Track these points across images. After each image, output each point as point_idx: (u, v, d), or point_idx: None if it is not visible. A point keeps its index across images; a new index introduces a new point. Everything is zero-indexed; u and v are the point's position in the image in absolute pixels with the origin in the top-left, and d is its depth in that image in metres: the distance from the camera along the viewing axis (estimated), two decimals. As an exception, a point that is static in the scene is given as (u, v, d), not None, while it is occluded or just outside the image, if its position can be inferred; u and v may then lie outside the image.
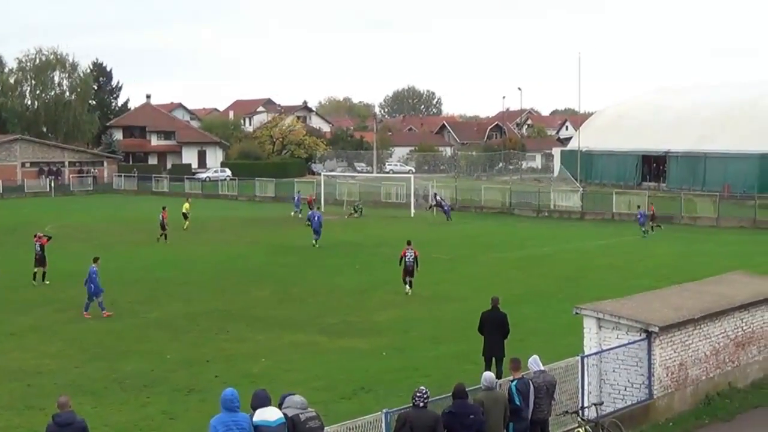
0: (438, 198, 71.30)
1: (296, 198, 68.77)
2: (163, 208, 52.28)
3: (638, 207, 61.70)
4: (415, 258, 34.12)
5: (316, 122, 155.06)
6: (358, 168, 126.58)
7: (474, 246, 49.36)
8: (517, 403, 14.70)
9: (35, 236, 38.08)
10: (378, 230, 57.82)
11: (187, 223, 57.81)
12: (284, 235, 54.72)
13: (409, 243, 34.97)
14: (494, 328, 21.04)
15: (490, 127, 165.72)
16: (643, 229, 56.16)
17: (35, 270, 36.96)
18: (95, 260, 30.64)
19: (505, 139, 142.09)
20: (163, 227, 50.75)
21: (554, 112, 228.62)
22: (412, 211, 70.19)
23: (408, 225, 61.57)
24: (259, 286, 36.15)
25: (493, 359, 20.96)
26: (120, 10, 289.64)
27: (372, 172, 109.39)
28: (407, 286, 34.11)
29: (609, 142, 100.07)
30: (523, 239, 53.50)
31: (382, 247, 48.38)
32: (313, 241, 49.08)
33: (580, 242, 51.70)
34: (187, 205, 59.42)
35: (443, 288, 35.79)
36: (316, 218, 50.15)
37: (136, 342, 26.49)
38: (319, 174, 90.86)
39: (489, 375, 14.63)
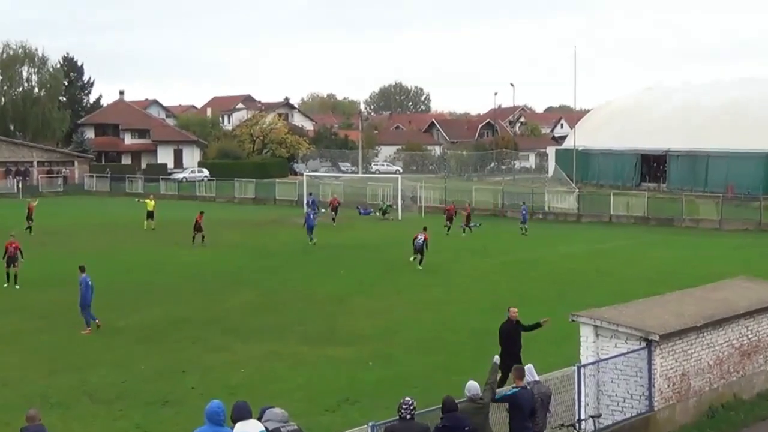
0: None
1: (311, 201, 66.97)
2: (201, 213, 52.69)
3: (523, 203, 62.57)
4: (425, 241, 42.06)
5: (298, 120, 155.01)
6: (342, 168, 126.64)
7: (462, 250, 49.28)
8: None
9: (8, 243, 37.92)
10: (363, 233, 57.72)
11: (153, 223, 57.98)
12: (264, 238, 54.57)
13: (425, 229, 43.48)
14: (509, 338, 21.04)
15: (481, 125, 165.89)
16: (525, 226, 57.48)
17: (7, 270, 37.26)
18: (82, 269, 29.63)
19: (497, 137, 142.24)
20: (199, 229, 51.04)
21: (548, 110, 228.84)
22: (400, 212, 70.12)
23: (395, 228, 61.49)
24: (238, 292, 35.99)
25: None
26: (94, 7, 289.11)
27: (357, 173, 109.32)
28: (418, 263, 41.87)
29: (606, 141, 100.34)
30: (515, 243, 53.47)
31: (367, 251, 48.36)
32: (311, 241, 51.19)
33: (576, 246, 51.69)
34: (151, 202, 59.32)
35: (429, 294, 35.74)
36: (310, 216, 52.55)
37: (107, 351, 26.27)
38: (302, 174, 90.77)
39: (472, 384, 14.52)
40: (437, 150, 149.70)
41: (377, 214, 70.61)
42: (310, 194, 70.28)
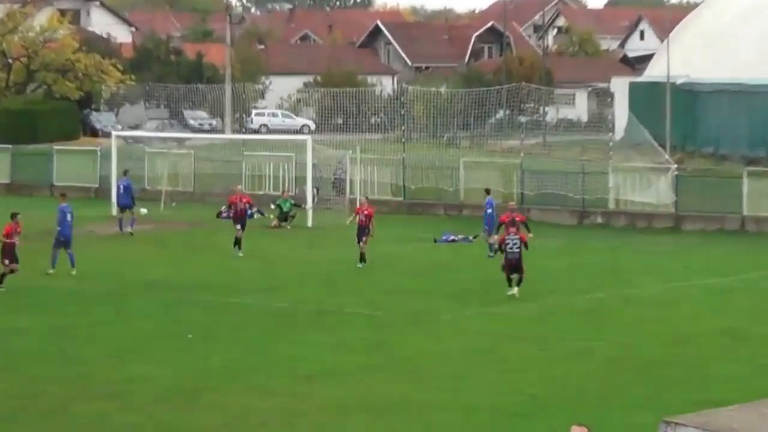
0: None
1: (122, 186, 68.25)
2: (14, 216, 51.15)
3: (486, 192, 63.87)
4: (524, 243, 47.76)
5: (101, 23, 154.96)
6: (192, 122, 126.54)
7: (438, 290, 49.16)
8: None
9: None
10: (229, 257, 57.40)
11: None
12: (31, 269, 53.92)
13: (513, 224, 49.76)
14: None
15: (476, 35, 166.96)
16: (491, 242, 57.39)
17: None
18: None
19: (509, 58, 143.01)
20: (11, 256, 49.97)
21: (613, 3, 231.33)
22: (310, 214, 69.68)
23: (301, 244, 61.38)
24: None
25: None
26: None
27: (224, 131, 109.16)
28: (514, 287, 47.24)
29: (733, 68, 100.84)
30: (547, 274, 53.34)
31: (244, 295, 48.01)
32: (53, 267, 53.10)
33: (673, 280, 51.98)
34: None
35: (373, 383, 35.66)
36: (67, 217, 53.82)
37: None
38: (110, 134, 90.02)
39: None
40: (387, 85, 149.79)
41: (269, 217, 69.87)
42: (126, 172, 69.93)
